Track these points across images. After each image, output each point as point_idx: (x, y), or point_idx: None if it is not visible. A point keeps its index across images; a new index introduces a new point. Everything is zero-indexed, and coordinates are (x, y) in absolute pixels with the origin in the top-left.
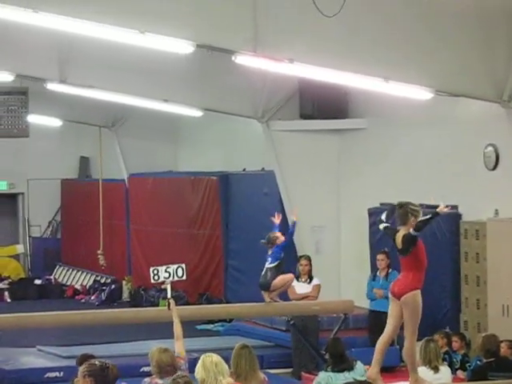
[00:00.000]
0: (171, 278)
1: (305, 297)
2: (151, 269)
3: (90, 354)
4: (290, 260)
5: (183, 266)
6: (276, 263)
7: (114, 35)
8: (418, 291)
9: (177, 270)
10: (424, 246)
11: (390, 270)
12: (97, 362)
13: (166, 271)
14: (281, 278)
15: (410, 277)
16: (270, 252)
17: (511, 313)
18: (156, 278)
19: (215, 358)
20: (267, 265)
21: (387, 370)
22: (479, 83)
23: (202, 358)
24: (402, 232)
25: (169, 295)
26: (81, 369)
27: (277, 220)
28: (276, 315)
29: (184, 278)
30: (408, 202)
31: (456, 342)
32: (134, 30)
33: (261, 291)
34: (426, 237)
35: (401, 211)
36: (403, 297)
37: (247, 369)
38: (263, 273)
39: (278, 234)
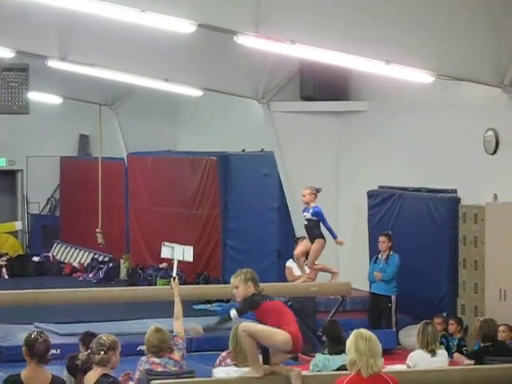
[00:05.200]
0: (180, 258)
1: None
2: (164, 243)
3: (91, 332)
4: (288, 241)
5: (191, 248)
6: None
7: (115, 13)
8: None
9: (187, 250)
10: None
11: (391, 253)
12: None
13: (177, 250)
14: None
15: None
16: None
17: (508, 297)
18: (166, 253)
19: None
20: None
21: (384, 352)
22: (481, 68)
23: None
24: None
25: (174, 274)
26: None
27: None
28: (273, 296)
29: (191, 260)
30: None
31: (452, 325)
32: (134, 9)
33: None
34: (425, 220)
35: None
36: None
37: None
38: None
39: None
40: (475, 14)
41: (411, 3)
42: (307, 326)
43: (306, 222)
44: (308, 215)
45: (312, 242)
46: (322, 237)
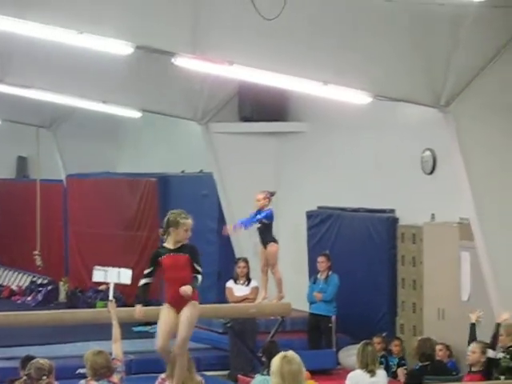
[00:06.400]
0: (116, 280)
1: (243, 299)
2: (96, 267)
3: (31, 356)
4: (228, 262)
5: (130, 270)
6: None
7: (53, 35)
8: None
9: (123, 273)
10: None
11: (331, 273)
12: None
13: (111, 273)
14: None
15: None
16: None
17: (446, 316)
18: (99, 277)
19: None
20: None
21: (324, 372)
22: (417, 88)
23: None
24: None
25: (110, 297)
26: None
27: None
28: (213, 317)
29: (129, 282)
30: None
31: (396, 346)
32: (72, 31)
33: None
34: (364, 240)
35: None
36: None
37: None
38: None
39: None
40: (410, 36)
41: (348, 25)
42: (247, 346)
43: (258, 225)
44: (261, 217)
45: (264, 246)
46: (275, 240)
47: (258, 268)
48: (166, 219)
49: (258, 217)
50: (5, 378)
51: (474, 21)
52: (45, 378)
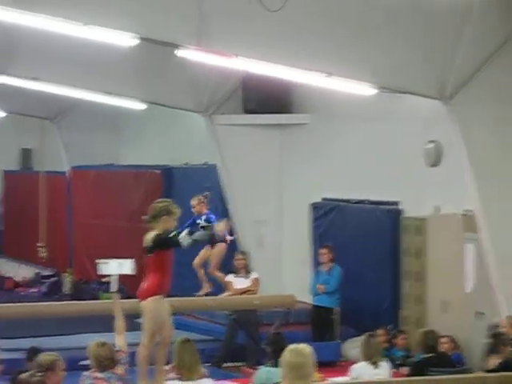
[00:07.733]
0: (118, 272)
1: (245, 291)
2: (98, 260)
3: (37, 347)
4: (228, 255)
5: (132, 260)
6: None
7: (58, 27)
8: None
9: (125, 264)
10: None
11: (333, 265)
12: None
13: (113, 264)
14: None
15: None
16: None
17: (450, 309)
18: (102, 270)
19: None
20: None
21: (328, 364)
22: (422, 80)
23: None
24: None
25: (114, 289)
26: None
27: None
28: (217, 309)
29: (132, 273)
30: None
31: (403, 340)
32: (77, 22)
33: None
34: (368, 232)
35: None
36: None
37: (191, 362)
38: None
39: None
40: (415, 28)
41: (352, 17)
42: (252, 338)
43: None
44: (202, 222)
45: (212, 246)
46: (223, 240)
47: (262, 260)
48: (156, 207)
49: (199, 221)
50: (10, 369)
51: (478, 12)
52: (39, 374)
